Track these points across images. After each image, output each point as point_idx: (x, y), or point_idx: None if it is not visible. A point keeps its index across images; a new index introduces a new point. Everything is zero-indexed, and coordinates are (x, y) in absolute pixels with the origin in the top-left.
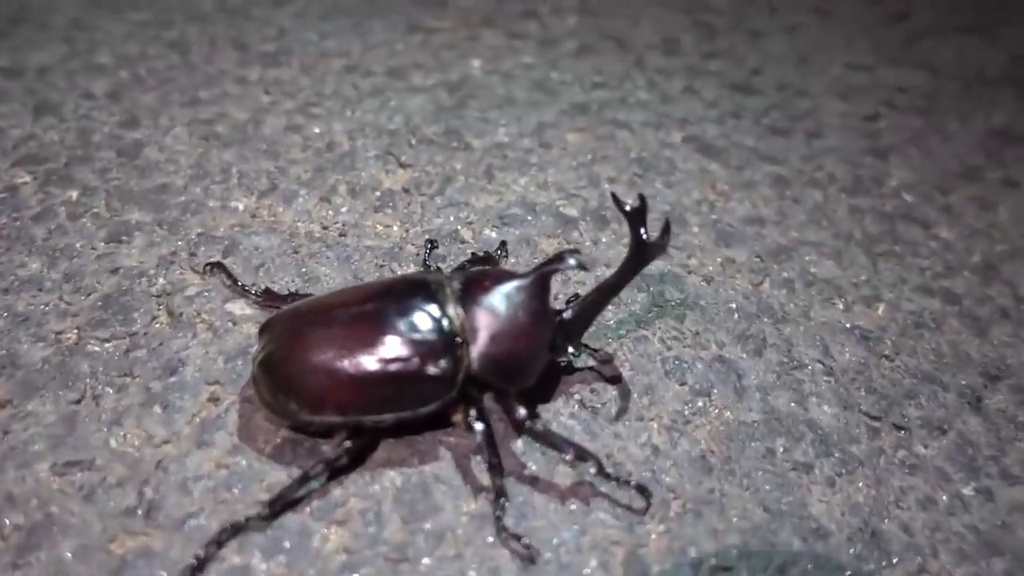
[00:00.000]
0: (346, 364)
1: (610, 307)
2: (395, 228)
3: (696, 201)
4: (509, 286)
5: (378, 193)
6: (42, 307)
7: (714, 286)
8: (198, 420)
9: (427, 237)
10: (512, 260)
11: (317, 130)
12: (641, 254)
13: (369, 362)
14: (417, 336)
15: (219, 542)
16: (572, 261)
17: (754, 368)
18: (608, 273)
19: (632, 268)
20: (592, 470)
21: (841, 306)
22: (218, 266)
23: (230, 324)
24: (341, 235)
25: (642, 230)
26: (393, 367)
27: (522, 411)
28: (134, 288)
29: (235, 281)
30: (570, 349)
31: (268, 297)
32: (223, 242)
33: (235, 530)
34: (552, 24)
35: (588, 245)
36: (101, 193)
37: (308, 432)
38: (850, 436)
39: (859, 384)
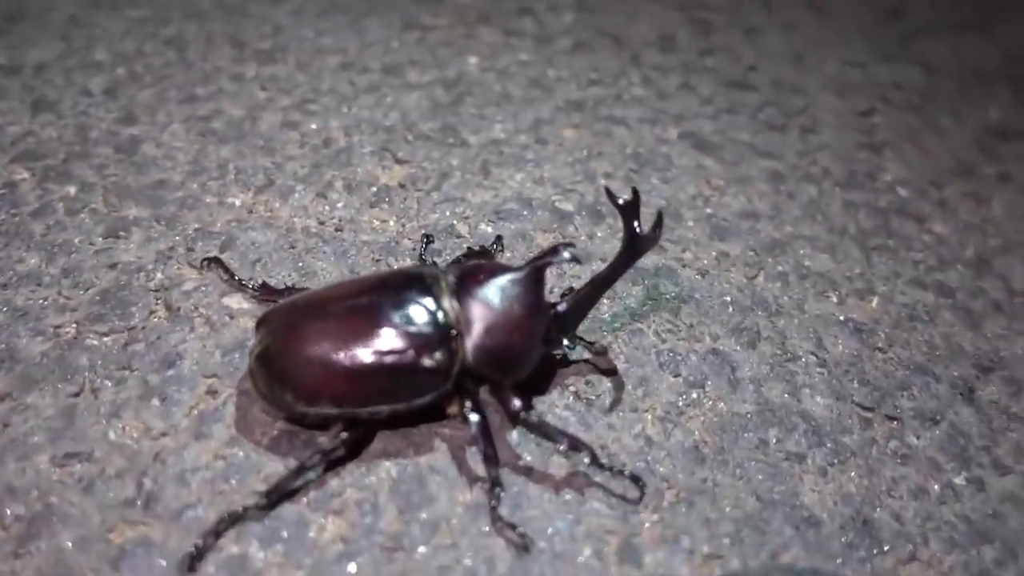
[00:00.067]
0: (342, 357)
1: (605, 300)
2: (391, 223)
3: (691, 196)
4: (504, 279)
5: (374, 189)
6: (41, 302)
7: (709, 279)
8: (196, 412)
9: (423, 232)
10: (508, 255)
11: (313, 126)
12: (634, 247)
13: (364, 354)
14: (412, 328)
15: (217, 532)
16: (566, 254)
17: (748, 360)
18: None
19: (625, 261)
20: (586, 460)
21: (835, 299)
22: (215, 261)
23: (227, 318)
24: (337, 230)
25: (635, 223)
26: (388, 359)
27: (517, 403)
28: (132, 283)
29: (232, 276)
30: (565, 341)
31: (265, 291)
32: (220, 237)
33: (233, 520)
34: (548, 21)
35: (584, 240)
36: (99, 189)
37: (304, 424)
38: (843, 427)
39: (852, 376)
